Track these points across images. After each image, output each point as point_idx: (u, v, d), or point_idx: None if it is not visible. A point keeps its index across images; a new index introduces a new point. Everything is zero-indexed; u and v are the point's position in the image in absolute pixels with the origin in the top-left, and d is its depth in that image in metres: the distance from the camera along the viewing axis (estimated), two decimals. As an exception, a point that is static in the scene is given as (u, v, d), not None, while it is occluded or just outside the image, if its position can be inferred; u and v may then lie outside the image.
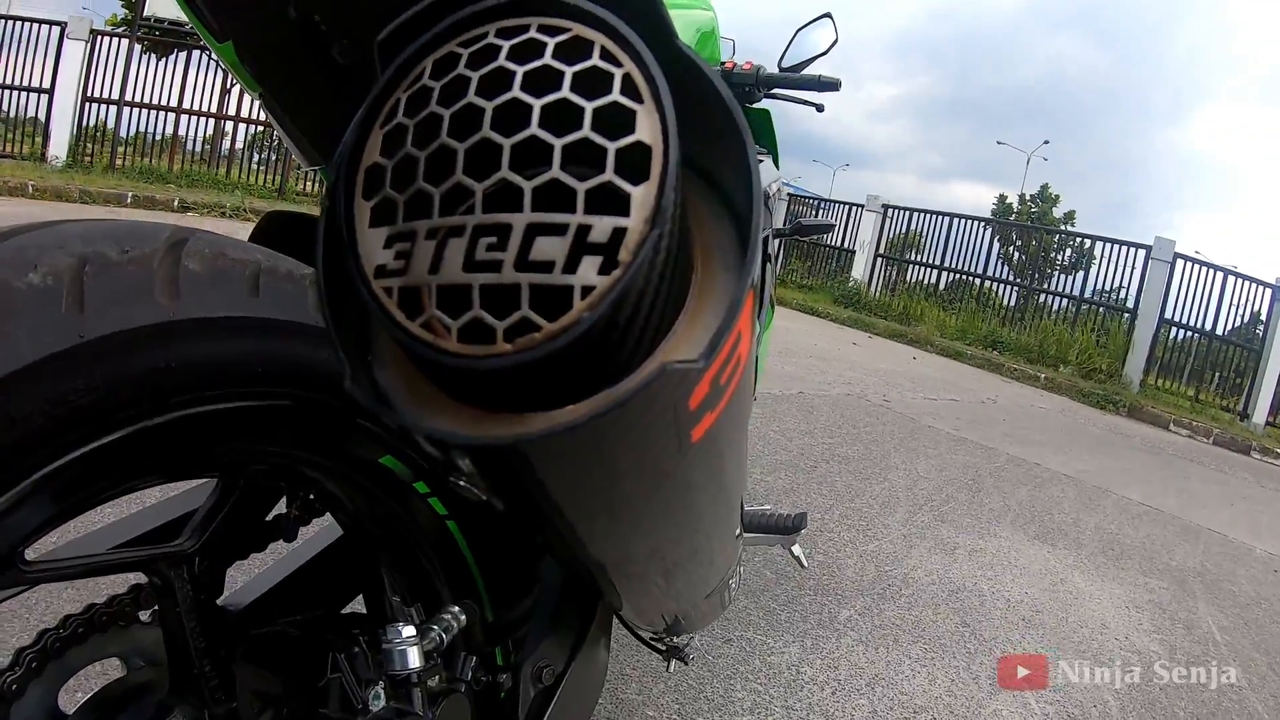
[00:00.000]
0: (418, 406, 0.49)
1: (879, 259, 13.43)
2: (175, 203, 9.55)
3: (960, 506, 3.77)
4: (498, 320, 0.42)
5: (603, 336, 0.43)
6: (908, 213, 13.49)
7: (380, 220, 0.46)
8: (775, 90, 2.28)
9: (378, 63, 0.50)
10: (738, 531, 0.96)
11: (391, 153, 0.46)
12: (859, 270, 13.37)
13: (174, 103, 11.18)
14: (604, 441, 0.48)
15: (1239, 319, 10.34)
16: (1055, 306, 11.68)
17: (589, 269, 0.42)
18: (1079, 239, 13.49)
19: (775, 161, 2.39)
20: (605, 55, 0.44)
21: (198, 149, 11.80)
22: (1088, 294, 11.45)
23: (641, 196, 0.42)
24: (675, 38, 0.48)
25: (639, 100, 0.44)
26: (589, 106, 0.43)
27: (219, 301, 0.58)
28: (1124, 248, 10.63)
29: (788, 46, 2.29)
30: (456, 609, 0.81)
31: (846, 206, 14.18)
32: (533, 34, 0.45)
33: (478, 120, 0.43)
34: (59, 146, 10.52)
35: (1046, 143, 63.98)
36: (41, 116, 10.73)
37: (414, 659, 0.73)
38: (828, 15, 2.28)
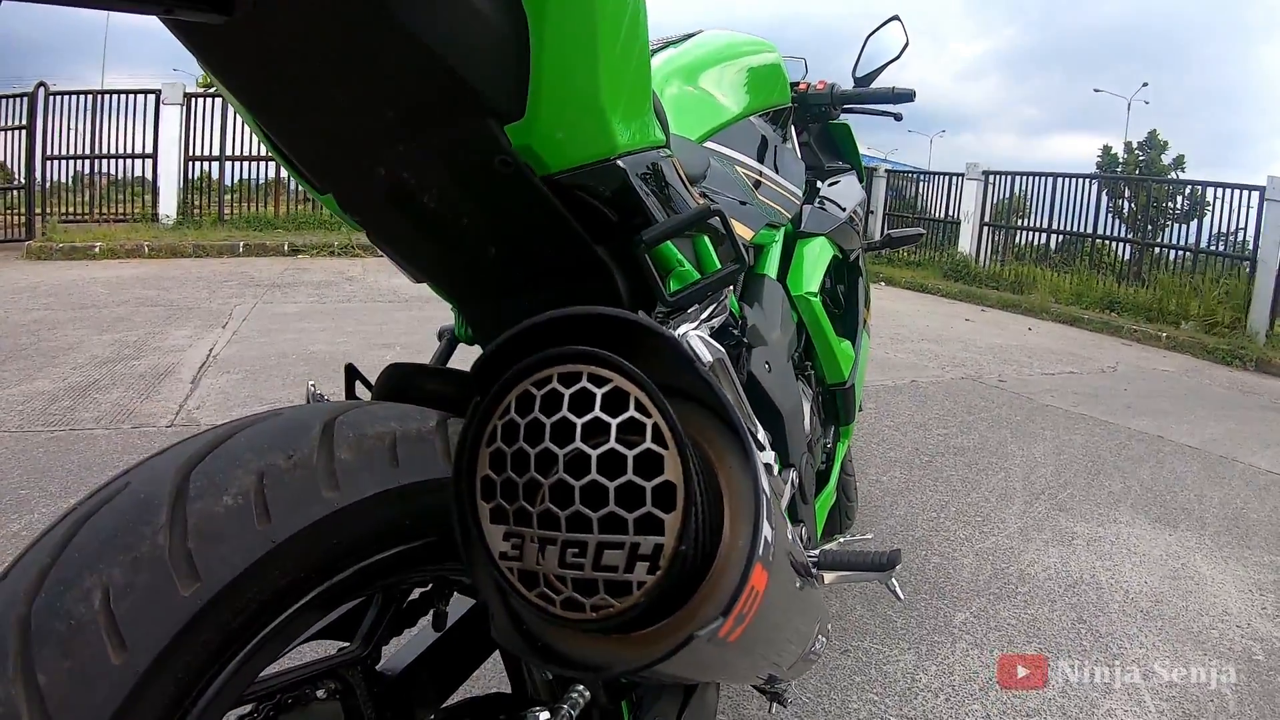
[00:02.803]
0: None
1: (985, 228, 13.11)
2: (285, 247, 10.00)
3: (1079, 492, 3.76)
4: (585, 599, 0.65)
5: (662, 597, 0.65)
6: (1010, 177, 13.13)
7: (497, 519, 0.68)
8: (851, 105, 2.36)
9: (474, 383, 0.71)
10: (799, 586, 1.06)
11: (498, 470, 0.68)
12: (965, 242, 13.09)
13: (272, 151, 11.61)
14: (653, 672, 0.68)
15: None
16: (1172, 259, 11.22)
17: (641, 570, 0.64)
18: (1189, 186, 12.93)
19: (859, 175, 2.47)
20: (639, 407, 0.65)
21: (302, 189, 12.19)
22: (1205, 242, 10.90)
23: (671, 523, 0.63)
24: (696, 363, 0.69)
25: (665, 446, 0.64)
26: (630, 455, 0.64)
27: (370, 482, 0.71)
28: (1237, 191, 10.09)
29: (860, 55, 2.36)
30: (581, 686, 0.92)
31: (946, 177, 13.91)
32: (584, 384, 0.65)
33: (554, 462, 0.65)
34: (168, 205, 11.13)
35: (1145, 85, 61.28)
36: (148, 176, 11.39)
37: None
38: (896, 18, 2.34)
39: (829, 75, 2.35)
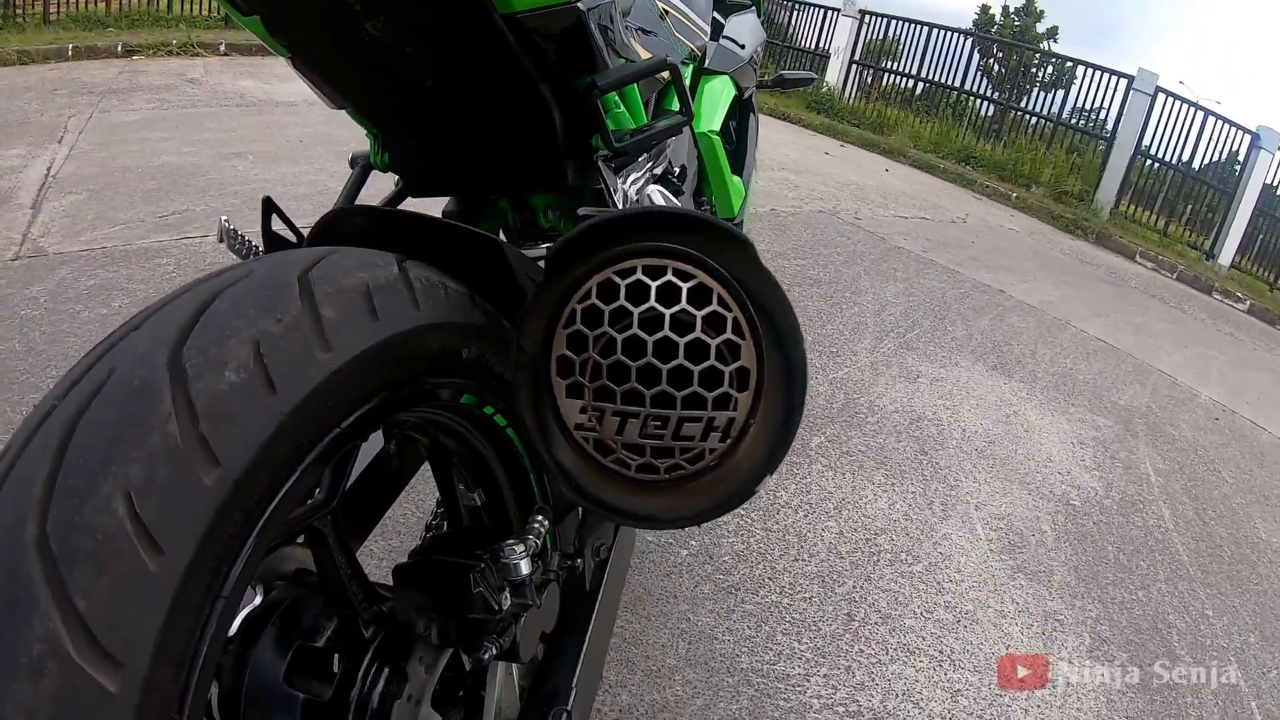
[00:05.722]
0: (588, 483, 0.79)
1: (854, 65, 13.04)
2: (119, 47, 8.75)
3: (925, 334, 3.94)
4: (659, 462, 0.75)
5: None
6: (886, 20, 13.01)
7: (573, 394, 0.75)
8: None
9: (546, 267, 0.77)
10: None
11: (577, 350, 0.74)
12: (833, 75, 12.94)
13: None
14: None
15: (1217, 155, 10.12)
16: (1032, 125, 11.52)
17: (714, 440, 0.75)
18: (1062, 60, 13.15)
19: (759, 10, 2.43)
20: (721, 301, 0.73)
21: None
22: (1066, 114, 11.24)
23: (743, 401, 0.74)
24: (760, 265, 0.75)
25: (743, 337, 0.73)
26: (713, 344, 0.72)
27: (356, 340, 0.67)
28: (1107, 75, 10.31)
29: None
30: (540, 517, 0.97)
31: (821, 10, 13.57)
32: (670, 278, 0.73)
33: (642, 348, 0.72)
34: (-13, 4, 9.61)
35: (1034, -49, 61.11)
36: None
37: (526, 567, 0.90)
38: None
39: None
